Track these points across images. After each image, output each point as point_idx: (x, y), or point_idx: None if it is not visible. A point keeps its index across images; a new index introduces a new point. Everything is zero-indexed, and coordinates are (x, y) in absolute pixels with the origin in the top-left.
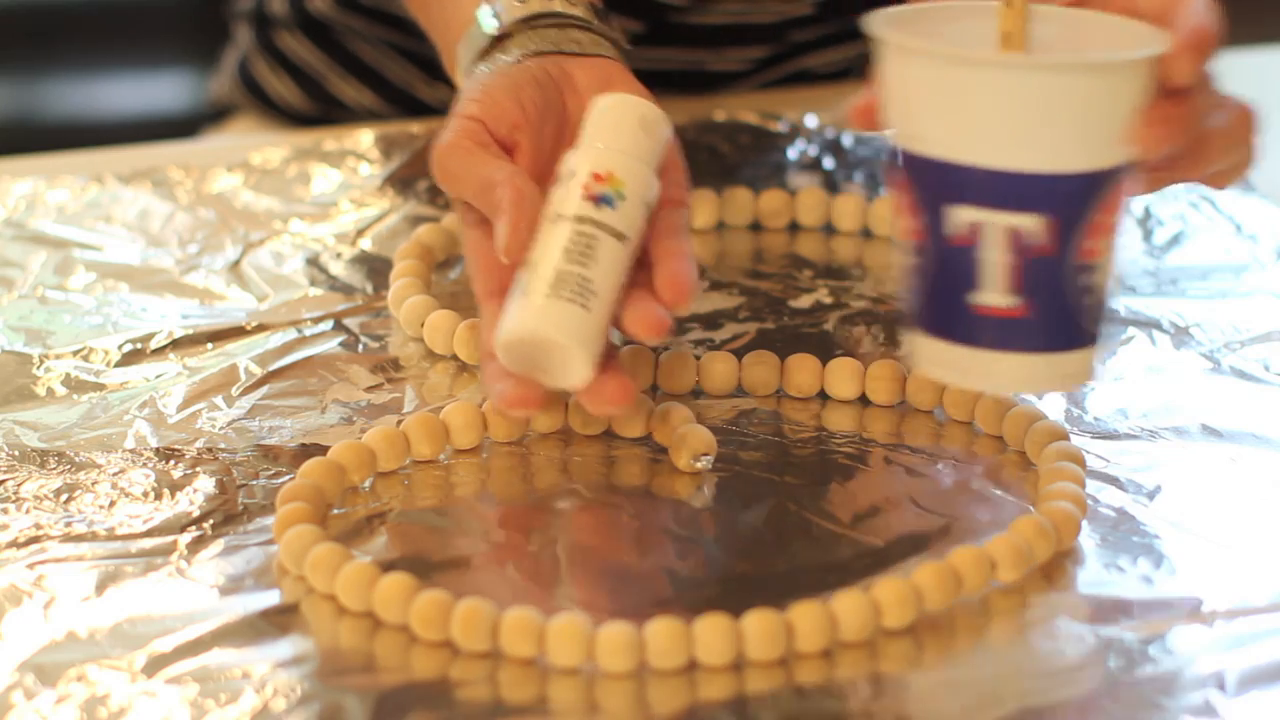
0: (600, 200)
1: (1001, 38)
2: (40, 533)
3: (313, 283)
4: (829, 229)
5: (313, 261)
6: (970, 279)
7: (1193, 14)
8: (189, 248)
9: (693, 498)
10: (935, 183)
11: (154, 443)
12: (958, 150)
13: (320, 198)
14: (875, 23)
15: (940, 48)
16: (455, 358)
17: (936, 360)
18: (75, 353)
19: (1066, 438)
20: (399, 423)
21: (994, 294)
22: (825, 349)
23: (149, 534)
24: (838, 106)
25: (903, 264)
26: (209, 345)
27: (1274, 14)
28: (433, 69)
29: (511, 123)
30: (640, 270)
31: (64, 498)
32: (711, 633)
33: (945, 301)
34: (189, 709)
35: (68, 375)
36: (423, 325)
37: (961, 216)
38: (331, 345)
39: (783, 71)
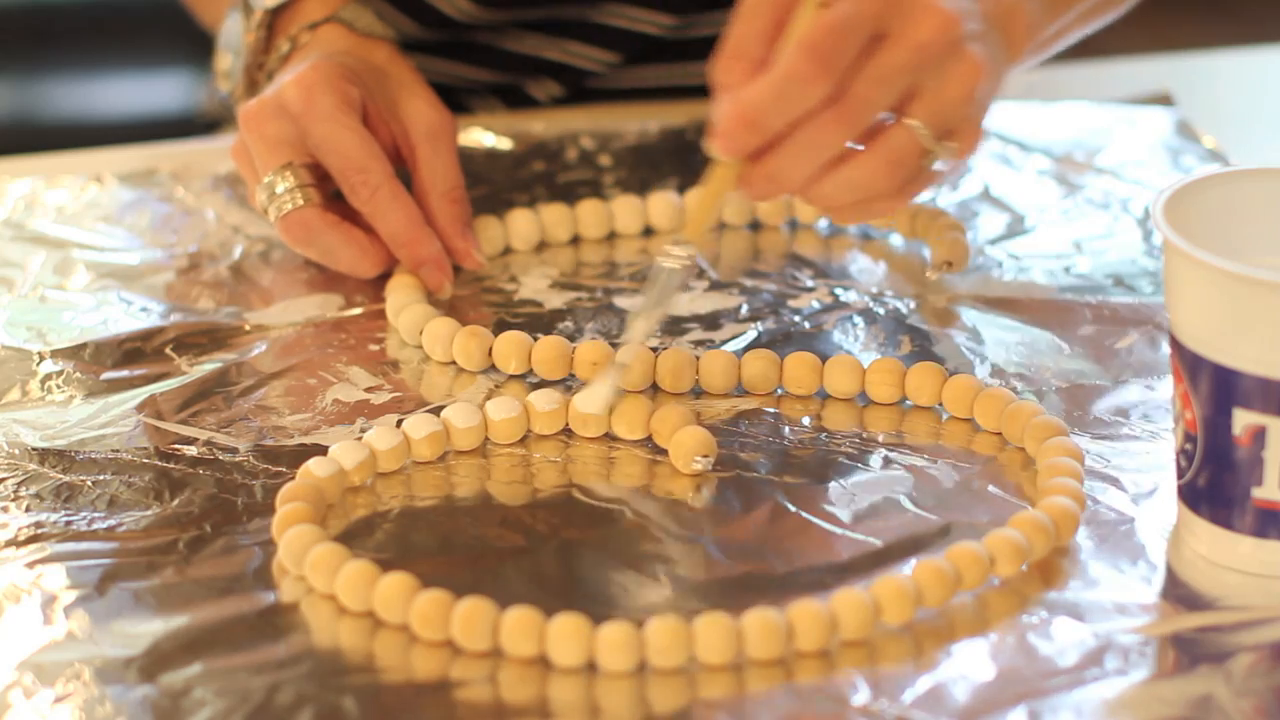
0: None
1: None
2: (40, 532)
3: (313, 283)
4: (829, 228)
5: (312, 261)
6: (1254, 476)
7: None
8: (189, 248)
9: (693, 498)
10: (1224, 386)
11: (154, 443)
12: (1245, 360)
13: None
14: (1159, 211)
15: (1226, 265)
16: (454, 363)
17: (1214, 545)
18: (75, 352)
19: (1066, 433)
20: (399, 423)
21: (1277, 490)
22: (825, 348)
23: (149, 534)
24: None
25: (1178, 444)
26: (209, 345)
27: (1274, 14)
28: None
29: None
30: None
31: (64, 497)
32: (711, 632)
33: (1228, 493)
34: (188, 709)
35: (68, 375)
36: (421, 333)
37: (1249, 419)
38: (331, 346)
39: None
